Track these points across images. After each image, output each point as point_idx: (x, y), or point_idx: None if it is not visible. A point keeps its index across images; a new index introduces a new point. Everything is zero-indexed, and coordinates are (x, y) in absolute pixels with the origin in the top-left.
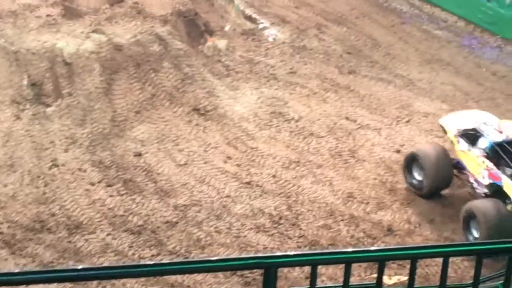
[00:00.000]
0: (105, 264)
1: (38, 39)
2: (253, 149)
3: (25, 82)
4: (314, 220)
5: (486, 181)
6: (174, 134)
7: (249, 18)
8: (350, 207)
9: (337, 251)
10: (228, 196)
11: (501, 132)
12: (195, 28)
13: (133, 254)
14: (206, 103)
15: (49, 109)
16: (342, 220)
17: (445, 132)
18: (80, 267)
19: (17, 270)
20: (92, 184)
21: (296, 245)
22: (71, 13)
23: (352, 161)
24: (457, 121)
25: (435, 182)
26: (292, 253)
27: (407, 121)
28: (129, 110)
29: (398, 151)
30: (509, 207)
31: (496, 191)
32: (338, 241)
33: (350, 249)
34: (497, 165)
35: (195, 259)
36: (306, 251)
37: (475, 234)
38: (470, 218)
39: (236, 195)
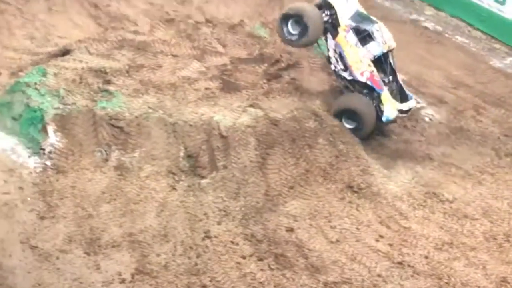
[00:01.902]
0: None
1: (196, 112)
2: (406, 229)
3: (181, 153)
4: None
5: (363, 79)
6: (327, 210)
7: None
8: None
9: None
10: (379, 276)
11: (385, 42)
12: None
13: None
14: (360, 181)
15: (204, 181)
16: None
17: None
18: None
19: None
20: (244, 257)
21: None
22: (229, 87)
23: (507, 245)
24: (343, 5)
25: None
26: None
27: None
28: (283, 185)
29: None
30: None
31: (358, 86)
32: None
33: None
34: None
35: None
36: None
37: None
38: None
39: (387, 274)
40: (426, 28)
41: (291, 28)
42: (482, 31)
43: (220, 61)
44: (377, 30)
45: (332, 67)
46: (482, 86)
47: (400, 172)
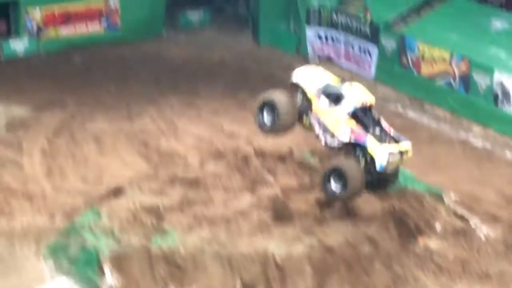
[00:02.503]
0: None
1: (250, 243)
2: None
3: (238, 286)
4: None
5: (347, 138)
6: None
7: (460, 217)
8: None
9: None
10: None
11: (358, 97)
12: (405, 228)
13: None
14: None
15: None
16: None
17: (294, 87)
18: None
19: None
20: None
21: None
22: (282, 217)
23: None
24: (311, 79)
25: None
26: None
27: None
28: None
29: None
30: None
31: (346, 145)
32: None
33: None
34: (358, 126)
35: None
36: None
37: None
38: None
39: None
40: (475, 146)
41: (266, 116)
42: None
43: (272, 192)
44: (348, 90)
45: (322, 142)
46: None
47: None
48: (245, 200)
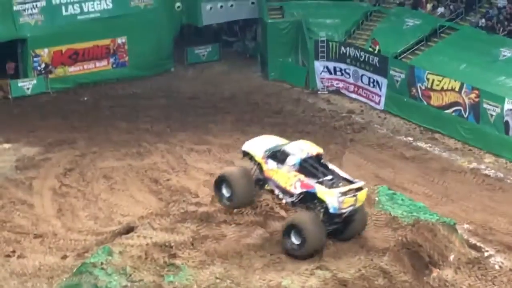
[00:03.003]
0: None
1: (263, 278)
2: None
3: None
4: None
5: (298, 190)
6: None
7: (473, 247)
8: None
9: None
10: None
11: (302, 150)
12: (419, 260)
13: None
14: None
15: None
16: None
17: (246, 155)
18: None
19: None
20: None
21: None
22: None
23: None
24: (258, 146)
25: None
26: None
27: None
28: None
29: None
30: (320, 214)
31: (302, 199)
32: None
33: None
34: (307, 177)
35: None
36: None
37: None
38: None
39: None
40: (486, 175)
41: (224, 191)
42: None
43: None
44: (291, 146)
45: (284, 201)
46: None
47: None
48: (257, 234)
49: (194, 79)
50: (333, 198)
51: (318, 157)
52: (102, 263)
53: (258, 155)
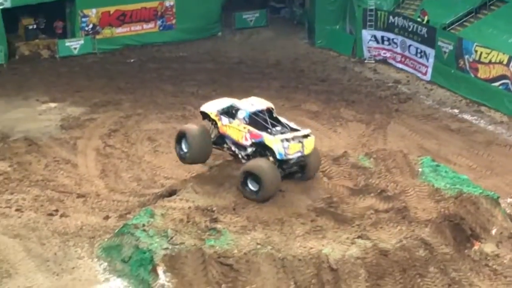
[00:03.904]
0: None
1: (304, 246)
2: None
3: None
4: None
5: (249, 142)
6: None
7: None
8: None
9: None
10: None
11: (252, 105)
12: (461, 232)
13: None
14: None
15: None
16: None
17: (205, 117)
18: None
19: None
20: None
21: None
22: (336, 219)
23: None
24: (213, 105)
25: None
26: None
27: None
28: None
29: None
30: (270, 158)
31: (255, 151)
32: None
33: None
34: (257, 129)
35: None
36: None
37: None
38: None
39: None
40: None
41: (183, 146)
42: None
43: (326, 194)
44: (242, 102)
45: (240, 156)
46: None
47: None
48: (300, 202)
49: (241, 44)
50: (278, 144)
51: (269, 112)
52: (144, 225)
53: (213, 113)
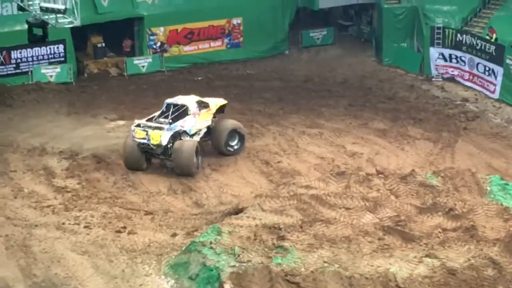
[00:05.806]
0: None
1: (371, 264)
2: None
3: None
4: None
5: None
6: None
7: None
8: None
9: None
10: None
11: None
12: None
13: None
14: None
15: None
16: None
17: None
18: None
19: None
20: None
21: None
22: (404, 238)
23: None
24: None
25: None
26: None
27: None
28: None
29: None
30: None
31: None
32: None
33: None
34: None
35: None
36: None
37: None
38: None
39: None
40: None
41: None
42: None
43: (394, 212)
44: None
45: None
46: None
47: None
48: (367, 220)
49: (308, 62)
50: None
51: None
52: (211, 242)
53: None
